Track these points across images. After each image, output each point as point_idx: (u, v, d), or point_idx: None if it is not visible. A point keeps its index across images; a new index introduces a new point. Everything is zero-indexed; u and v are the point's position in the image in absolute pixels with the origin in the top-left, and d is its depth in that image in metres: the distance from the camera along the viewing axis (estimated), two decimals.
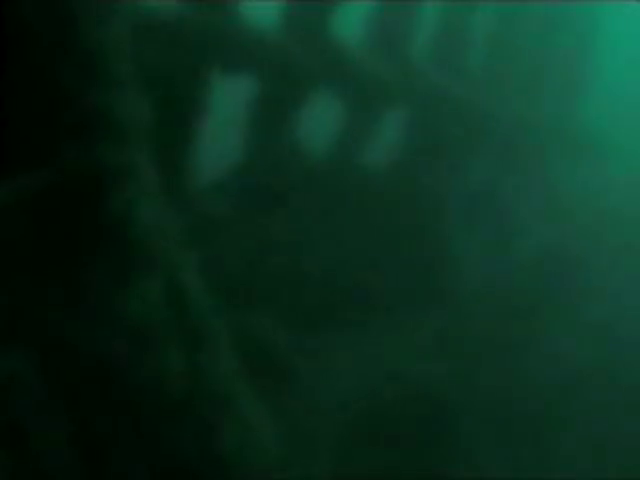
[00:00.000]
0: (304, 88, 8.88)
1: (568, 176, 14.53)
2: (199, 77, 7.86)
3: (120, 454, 4.97)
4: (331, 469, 7.72)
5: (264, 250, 8.81)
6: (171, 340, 4.92)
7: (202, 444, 5.20)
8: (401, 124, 10.77)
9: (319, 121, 10.08)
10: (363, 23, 10.27)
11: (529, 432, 10.03)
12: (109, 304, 4.79)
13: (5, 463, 4.64)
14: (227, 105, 9.43)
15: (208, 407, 5.29)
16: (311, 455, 7.60)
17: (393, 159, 10.67)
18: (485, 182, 12.62)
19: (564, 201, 13.84)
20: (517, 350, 10.47)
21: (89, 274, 4.86)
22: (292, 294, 8.52)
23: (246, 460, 5.62)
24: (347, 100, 9.50)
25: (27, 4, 4.76)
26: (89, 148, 4.91)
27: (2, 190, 4.72)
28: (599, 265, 13.48)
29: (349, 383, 8.48)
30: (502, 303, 10.62)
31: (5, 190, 4.72)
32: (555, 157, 14.21)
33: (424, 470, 8.30)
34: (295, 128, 9.13)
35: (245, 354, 7.17)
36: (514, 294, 10.96)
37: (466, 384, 9.54)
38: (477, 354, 9.68)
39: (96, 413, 4.90)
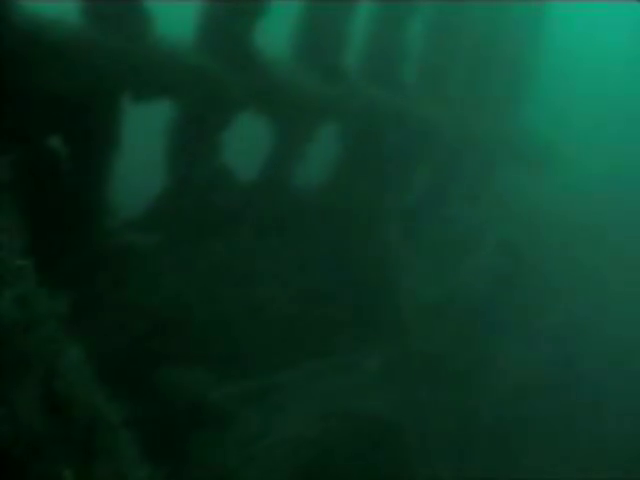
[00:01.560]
0: (227, 109, 8.36)
1: (515, 184, 14.20)
2: (109, 105, 7.35)
3: None
4: None
5: (191, 286, 8.31)
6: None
7: None
8: (335, 140, 10.27)
9: (247, 142, 9.61)
10: (290, 35, 9.74)
11: (486, 448, 9.79)
12: None
13: None
14: (142, 134, 8.93)
15: None
16: None
17: (328, 177, 10.17)
18: (427, 194, 12.20)
19: (513, 209, 13.48)
20: (469, 369, 10.08)
21: None
22: (224, 336, 8.02)
23: None
24: (275, 118, 8.99)
25: None
26: None
27: None
28: (553, 273, 13.19)
29: (296, 427, 8.05)
30: (451, 323, 10.20)
31: None
32: (500, 166, 13.85)
33: None
34: (220, 152, 8.60)
35: (179, 412, 6.76)
36: (464, 312, 10.54)
37: (418, 409, 9.15)
38: (427, 378, 9.26)
39: None
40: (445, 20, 11.52)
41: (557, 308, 12.51)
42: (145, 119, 8.64)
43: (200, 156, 8.49)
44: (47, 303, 4.19)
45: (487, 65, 12.82)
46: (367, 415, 8.62)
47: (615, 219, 15.25)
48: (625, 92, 22.45)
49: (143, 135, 9.23)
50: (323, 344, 8.84)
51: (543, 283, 12.32)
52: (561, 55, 20.54)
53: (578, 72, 23.59)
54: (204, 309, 8.15)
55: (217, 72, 7.80)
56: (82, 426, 4.13)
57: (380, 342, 9.32)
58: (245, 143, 9.97)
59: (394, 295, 9.69)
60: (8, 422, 3.67)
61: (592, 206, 15.52)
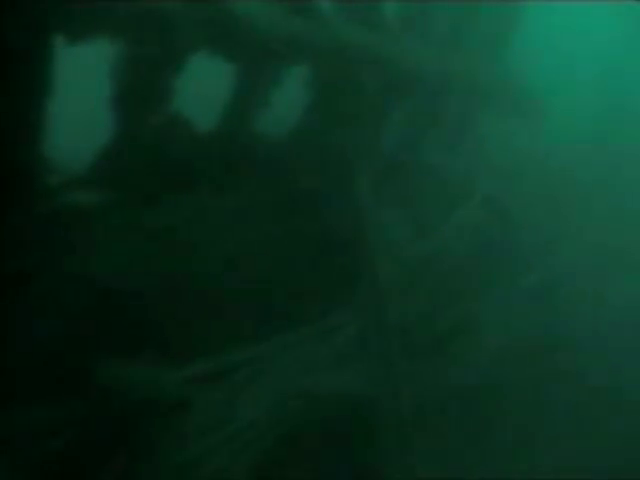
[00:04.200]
0: (181, 49, 7.32)
1: (499, 133, 13.32)
2: (38, 44, 6.33)
3: None
4: None
5: (142, 250, 7.36)
6: None
7: None
8: (303, 83, 9.26)
9: (203, 87, 8.61)
10: None
11: (461, 425, 9.21)
12: None
13: None
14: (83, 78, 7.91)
15: None
16: None
17: (295, 123, 9.17)
18: (404, 141, 11.24)
19: (499, 159, 12.62)
20: (447, 339, 9.33)
21: None
22: (178, 309, 7.10)
23: None
24: (236, 60, 7.95)
25: None
26: None
27: None
28: (538, 228, 12.47)
29: (258, 409, 7.24)
30: (430, 288, 9.36)
31: None
32: (485, 112, 12.92)
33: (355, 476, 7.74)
34: (173, 97, 7.58)
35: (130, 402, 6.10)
36: (444, 277, 9.69)
37: (391, 385, 8.38)
38: (403, 351, 8.45)
39: None
40: None
41: (541, 266, 11.80)
42: (87, 61, 7.64)
43: (150, 103, 7.49)
44: None
45: (473, 7, 11.83)
46: (340, 393, 7.85)
47: (600, 172, 14.63)
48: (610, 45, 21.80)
49: (84, 80, 8.20)
50: (291, 312, 7.97)
51: (528, 240, 11.56)
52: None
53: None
54: (155, 279, 7.23)
55: (169, 6, 6.75)
56: None
57: (355, 308, 8.49)
58: (206, 89, 9.00)
59: (369, 255, 8.81)
60: None
61: (577, 158, 14.92)
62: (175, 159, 7.90)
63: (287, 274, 8.11)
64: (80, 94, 7.96)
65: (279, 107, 8.67)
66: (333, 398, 7.92)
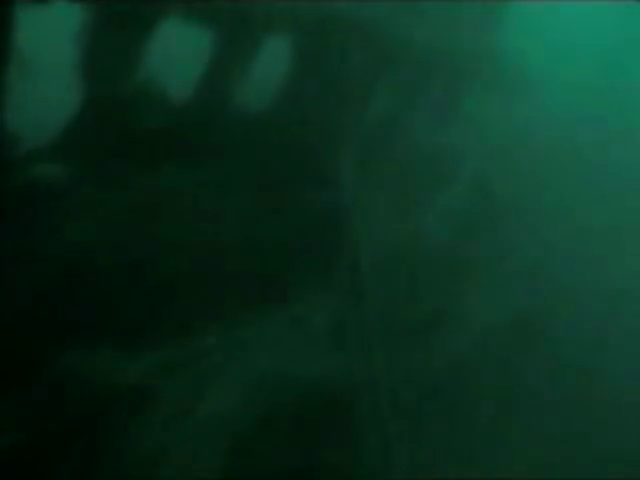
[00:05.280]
0: (151, 11, 6.83)
1: (490, 110, 12.86)
2: None
3: None
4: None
5: (107, 230, 6.91)
6: None
7: None
8: (284, 54, 8.77)
9: (175, 55, 8.09)
10: None
11: (444, 416, 8.87)
12: None
13: None
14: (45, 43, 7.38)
15: None
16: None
17: (275, 97, 8.69)
18: (389, 115, 10.76)
19: (487, 137, 12.16)
20: (430, 325, 8.94)
21: None
22: (141, 295, 6.67)
23: None
24: (212, 27, 7.47)
25: None
26: None
27: None
28: (528, 209, 12.08)
29: (230, 399, 6.85)
30: (413, 272, 8.94)
31: None
32: (474, 88, 12.45)
33: (334, 470, 7.39)
34: (141, 64, 7.09)
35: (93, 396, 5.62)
36: (427, 260, 9.27)
37: (368, 374, 8.00)
38: (382, 338, 8.06)
39: None
40: None
41: (525, 248, 11.43)
42: (49, 25, 7.10)
43: (118, 70, 7.01)
44: None
45: None
46: (313, 382, 7.45)
47: (592, 154, 14.26)
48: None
49: (48, 46, 7.68)
50: (264, 296, 7.55)
51: (514, 223, 11.16)
52: None
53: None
54: (124, 259, 6.79)
55: None
56: None
57: (332, 291, 8.08)
58: (181, 58, 8.47)
59: (349, 237, 8.38)
60: None
61: (564, 133, 14.53)
62: (144, 132, 7.43)
63: (260, 256, 7.67)
64: (43, 60, 7.45)
65: (257, 78, 8.22)
66: (307, 383, 7.55)
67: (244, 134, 8.13)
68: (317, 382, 7.63)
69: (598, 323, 11.65)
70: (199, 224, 7.42)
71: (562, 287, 11.89)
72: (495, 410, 9.45)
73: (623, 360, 10.95)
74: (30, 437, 5.69)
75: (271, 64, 8.50)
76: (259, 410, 7.09)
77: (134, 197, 7.22)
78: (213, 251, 7.44)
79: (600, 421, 9.88)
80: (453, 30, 11.38)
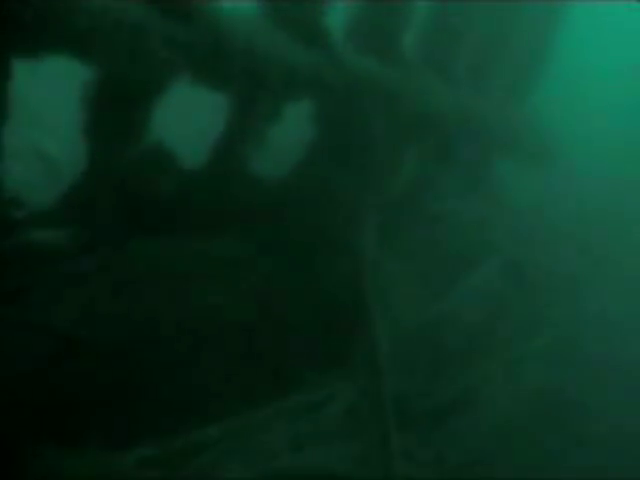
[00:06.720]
0: (160, 74, 6.34)
1: (517, 180, 12.34)
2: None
3: None
4: None
5: (106, 301, 6.37)
6: None
7: None
8: (307, 119, 8.25)
9: (191, 118, 7.63)
10: None
11: None
12: None
13: None
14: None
15: None
16: None
17: (294, 165, 8.17)
18: (417, 185, 10.23)
19: (519, 206, 11.63)
20: (446, 413, 8.28)
21: None
22: (138, 381, 6.07)
23: None
24: (225, 89, 6.97)
25: None
26: None
27: None
28: (561, 281, 11.48)
29: None
30: (434, 357, 8.30)
31: None
32: (505, 156, 11.93)
33: None
34: (151, 127, 6.59)
35: None
36: (450, 343, 8.63)
37: (384, 466, 7.36)
38: (399, 427, 7.40)
39: None
40: None
41: (550, 328, 10.78)
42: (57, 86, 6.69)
43: (125, 133, 6.52)
44: None
45: (496, 49, 10.86)
46: (326, 473, 6.82)
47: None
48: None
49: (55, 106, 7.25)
50: (277, 380, 6.93)
51: (547, 296, 10.57)
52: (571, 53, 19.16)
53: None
54: (120, 335, 6.23)
55: (140, 19, 5.72)
56: None
57: (349, 377, 7.47)
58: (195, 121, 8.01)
59: (368, 318, 7.76)
60: None
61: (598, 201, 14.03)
62: (152, 197, 6.92)
63: (274, 337, 7.07)
64: (50, 121, 7.03)
65: (277, 146, 7.71)
66: (322, 475, 6.92)
67: (260, 205, 7.61)
68: (327, 476, 7.02)
69: (623, 403, 10.99)
70: (206, 300, 6.87)
71: (585, 368, 11.28)
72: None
73: None
74: None
75: (292, 130, 8.00)
76: None
77: (135, 267, 6.70)
78: (221, 330, 6.87)
79: None
80: (482, 96, 10.92)
